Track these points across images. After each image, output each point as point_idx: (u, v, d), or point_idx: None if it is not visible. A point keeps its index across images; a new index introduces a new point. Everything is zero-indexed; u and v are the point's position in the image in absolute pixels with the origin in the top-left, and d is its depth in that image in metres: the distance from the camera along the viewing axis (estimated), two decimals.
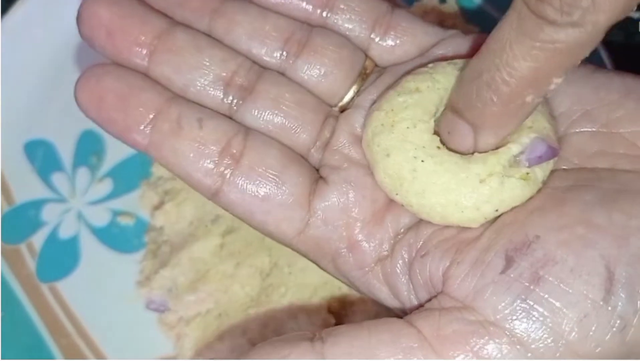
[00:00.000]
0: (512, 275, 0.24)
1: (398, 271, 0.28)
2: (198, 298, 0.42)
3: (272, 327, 0.42)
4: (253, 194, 0.28)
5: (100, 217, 0.48)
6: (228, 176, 0.28)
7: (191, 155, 0.28)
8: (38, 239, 0.47)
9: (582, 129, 0.28)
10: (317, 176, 0.29)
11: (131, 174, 0.49)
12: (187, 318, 0.43)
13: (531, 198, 0.27)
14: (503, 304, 0.24)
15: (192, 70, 0.29)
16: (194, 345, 0.43)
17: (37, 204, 0.47)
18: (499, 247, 0.25)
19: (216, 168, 0.28)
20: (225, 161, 0.28)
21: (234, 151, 0.28)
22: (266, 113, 0.30)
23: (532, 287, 0.24)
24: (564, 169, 0.27)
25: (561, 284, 0.24)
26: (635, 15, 0.51)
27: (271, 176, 0.28)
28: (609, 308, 0.23)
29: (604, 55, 0.47)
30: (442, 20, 0.46)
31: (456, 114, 0.26)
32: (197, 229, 0.44)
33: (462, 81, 0.26)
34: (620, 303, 0.23)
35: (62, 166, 0.49)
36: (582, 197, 0.25)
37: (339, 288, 0.42)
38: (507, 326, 0.24)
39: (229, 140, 0.29)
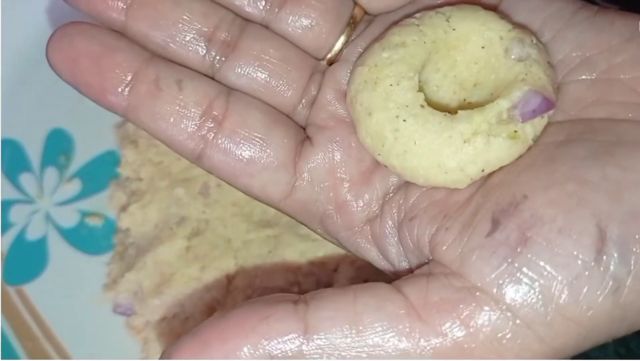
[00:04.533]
0: (497, 238, 0.23)
1: (387, 232, 0.27)
2: (163, 302, 0.42)
3: None
4: (237, 157, 0.27)
5: (68, 218, 0.47)
6: (211, 138, 0.27)
7: (171, 118, 0.27)
8: (5, 242, 0.46)
9: (580, 77, 0.26)
10: (303, 136, 0.28)
11: (100, 174, 0.48)
12: (153, 322, 0.42)
13: (521, 156, 0.25)
14: (489, 268, 0.23)
15: (171, 25, 0.28)
16: (161, 350, 0.42)
17: (4, 206, 0.47)
18: (485, 210, 0.24)
19: (198, 131, 0.27)
20: (207, 124, 0.27)
21: (216, 113, 0.27)
22: (250, 71, 0.29)
23: (519, 249, 0.22)
24: (558, 122, 0.26)
25: (549, 246, 0.22)
26: None
27: (255, 138, 0.28)
28: (601, 269, 0.22)
29: None
30: None
31: None
32: (162, 232, 0.43)
33: None
34: (612, 264, 0.22)
35: (29, 166, 0.48)
36: (574, 152, 0.24)
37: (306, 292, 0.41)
38: (494, 291, 0.22)
39: (211, 102, 0.28)
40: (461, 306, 0.23)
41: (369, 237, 0.28)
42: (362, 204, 0.27)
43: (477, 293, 0.23)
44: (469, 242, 0.24)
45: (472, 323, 0.22)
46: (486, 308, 0.22)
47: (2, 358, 0.43)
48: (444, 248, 0.24)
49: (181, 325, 0.42)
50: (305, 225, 0.29)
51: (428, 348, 0.22)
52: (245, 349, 0.22)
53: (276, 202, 0.28)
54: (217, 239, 0.42)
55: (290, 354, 0.23)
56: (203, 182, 0.43)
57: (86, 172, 0.48)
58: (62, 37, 0.28)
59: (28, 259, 0.46)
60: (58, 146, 0.48)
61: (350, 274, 0.40)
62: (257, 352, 0.23)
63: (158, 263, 0.42)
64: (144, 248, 0.43)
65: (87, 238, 0.46)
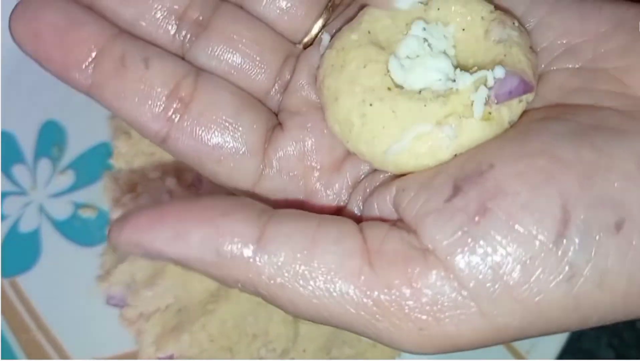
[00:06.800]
0: (457, 204, 0.22)
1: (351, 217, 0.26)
2: (156, 294, 0.42)
3: (231, 322, 0.41)
4: (203, 141, 0.26)
5: (61, 210, 0.47)
6: (176, 121, 0.26)
7: (136, 98, 0.26)
8: None
9: (564, 66, 0.25)
10: (275, 121, 0.27)
11: (93, 165, 0.48)
12: (146, 314, 0.42)
13: None
14: (443, 234, 0.22)
15: (141, 2, 0.27)
16: (155, 341, 0.42)
17: None
18: (448, 175, 0.23)
19: (164, 113, 0.26)
20: (173, 105, 0.26)
21: (183, 94, 0.26)
22: (221, 52, 0.27)
23: (476, 219, 0.22)
24: (537, 108, 0.25)
25: (509, 220, 0.21)
26: None
27: (222, 122, 0.26)
28: (559, 253, 0.21)
29: None
30: None
31: None
32: None
33: None
34: (572, 250, 0.21)
35: (23, 158, 0.48)
36: (551, 128, 0.23)
37: None
38: (446, 258, 0.22)
39: (178, 82, 0.26)
40: (411, 263, 0.22)
41: None
42: (331, 194, 0.26)
43: (430, 257, 0.22)
44: (427, 204, 0.23)
45: (416, 283, 0.22)
46: (434, 272, 0.22)
47: None
48: (404, 203, 0.23)
49: (174, 317, 0.42)
50: None
51: (369, 294, 0.22)
52: (195, 236, 0.22)
53: (244, 190, 0.27)
54: None
55: (236, 256, 0.22)
56: (195, 173, 0.43)
57: (79, 164, 0.48)
58: (27, 7, 0.26)
59: (21, 251, 0.46)
60: (51, 137, 0.48)
61: None
62: (205, 243, 0.22)
63: None
64: None
65: (81, 230, 0.46)
